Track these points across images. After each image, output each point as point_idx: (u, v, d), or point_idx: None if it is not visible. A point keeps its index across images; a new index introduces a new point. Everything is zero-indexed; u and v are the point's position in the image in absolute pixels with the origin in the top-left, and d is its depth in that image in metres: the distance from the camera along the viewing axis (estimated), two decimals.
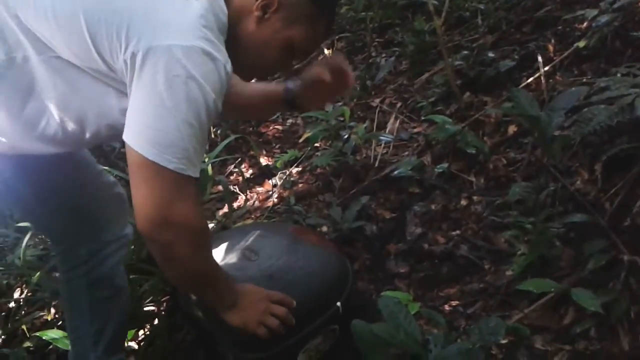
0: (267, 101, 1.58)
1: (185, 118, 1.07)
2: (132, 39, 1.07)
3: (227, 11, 1.19)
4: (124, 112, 1.13)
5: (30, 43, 1.14)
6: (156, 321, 2.01)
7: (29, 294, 2.30)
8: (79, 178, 1.51)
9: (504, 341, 1.53)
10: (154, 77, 1.05)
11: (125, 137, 1.10)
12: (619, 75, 1.89)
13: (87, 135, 1.25)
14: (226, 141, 2.71)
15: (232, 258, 1.58)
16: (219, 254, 1.60)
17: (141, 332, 1.98)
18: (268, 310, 1.35)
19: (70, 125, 1.21)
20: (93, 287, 1.59)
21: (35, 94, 1.17)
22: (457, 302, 1.83)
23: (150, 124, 1.07)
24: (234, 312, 1.34)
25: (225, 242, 1.67)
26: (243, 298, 1.35)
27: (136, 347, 1.94)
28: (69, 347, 1.71)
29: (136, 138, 1.09)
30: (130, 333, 1.94)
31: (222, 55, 1.12)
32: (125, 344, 1.91)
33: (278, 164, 3.11)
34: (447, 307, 1.82)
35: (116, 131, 1.19)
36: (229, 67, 1.14)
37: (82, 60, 1.14)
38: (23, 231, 2.28)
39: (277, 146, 3.50)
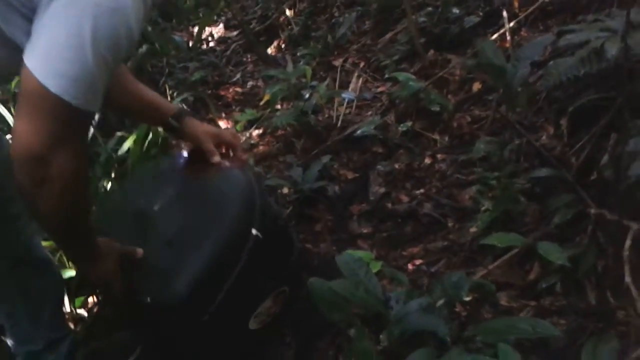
0: (152, 110, 1.50)
1: (102, 52, 0.98)
2: None
3: None
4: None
5: None
6: None
7: None
8: None
9: (467, 298, 1.48)
10: (74, 3, 0.95)
11: (27, 60, 0.98)
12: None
13: None
14: (179, 98, 2.58)
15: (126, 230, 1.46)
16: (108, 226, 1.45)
17: (90, 299, 1.87)
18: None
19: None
20: (16, 267, 1.44)
21: None
22: (420, 260, 1.77)
23: (62, 54, 0.96)
24: (95, 267, 1.26)
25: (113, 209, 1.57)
26: (107, 252, 1.27)
27: (85, 314, 1.84)
28: (7, 338, 1.56)
29: (41, 65, 0.97)
30: (80, 300, 1.84)
31: None
32: (75, 311, 1.82)
33: (238, 127, 3.00)
34: (410, 266, 1.76)
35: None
36: None
37: None
38: None
39: (238, 109, 3.39)
